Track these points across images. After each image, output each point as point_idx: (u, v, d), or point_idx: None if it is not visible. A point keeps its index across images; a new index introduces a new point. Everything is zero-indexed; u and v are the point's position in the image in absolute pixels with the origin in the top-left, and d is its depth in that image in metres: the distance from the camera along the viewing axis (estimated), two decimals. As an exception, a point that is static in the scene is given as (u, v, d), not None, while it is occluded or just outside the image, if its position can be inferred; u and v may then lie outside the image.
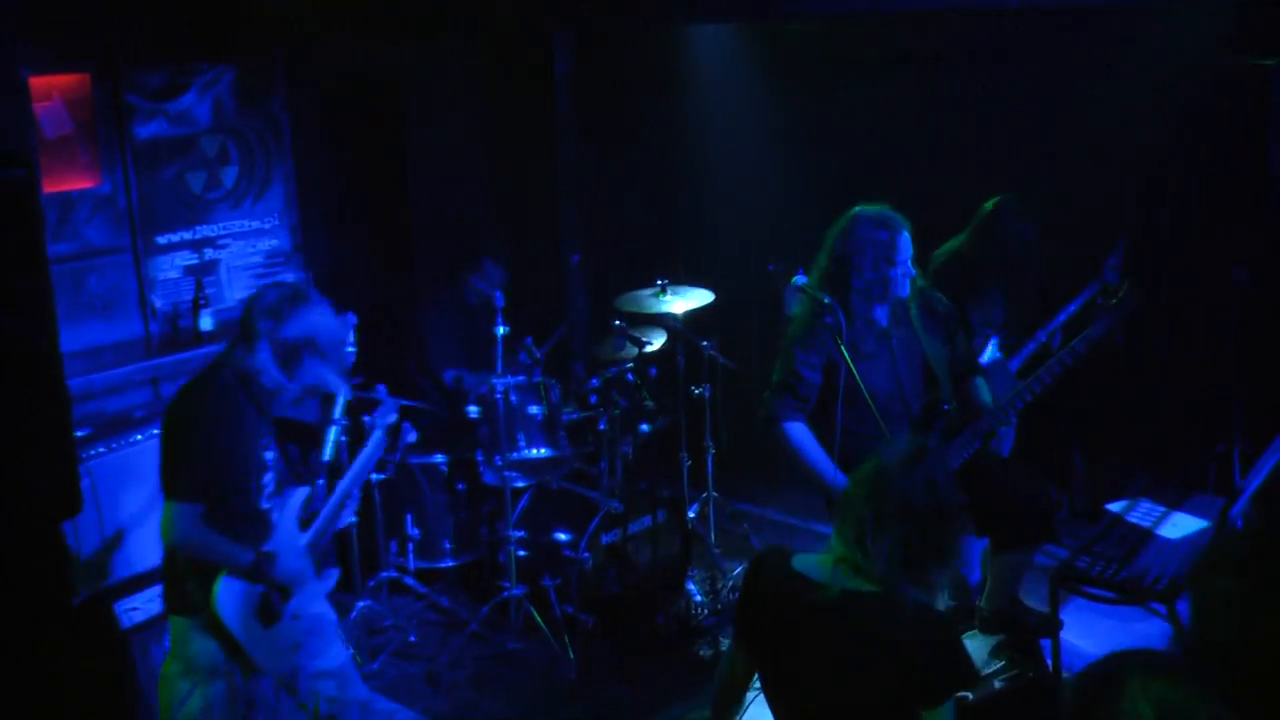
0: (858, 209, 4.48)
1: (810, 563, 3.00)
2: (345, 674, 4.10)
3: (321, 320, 3.80)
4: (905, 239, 4.39)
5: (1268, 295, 5.47)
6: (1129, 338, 4.87)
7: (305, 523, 4.03)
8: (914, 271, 4.43)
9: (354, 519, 4.93)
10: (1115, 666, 2.19)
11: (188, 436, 3.68)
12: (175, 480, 3.65)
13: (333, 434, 5.00)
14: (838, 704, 2.93)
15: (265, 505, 3.87)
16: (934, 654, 2.82)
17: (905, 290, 4.43)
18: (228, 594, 3.72)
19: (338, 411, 5.06)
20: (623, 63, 7.14)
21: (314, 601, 4.05)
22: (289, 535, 3.94)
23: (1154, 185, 5.83)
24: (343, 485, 4.20)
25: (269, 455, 3.89)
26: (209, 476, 3.65)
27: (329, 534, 4.18)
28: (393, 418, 4.57)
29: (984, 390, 4.70)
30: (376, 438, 4.45)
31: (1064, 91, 5.94)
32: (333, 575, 4.18)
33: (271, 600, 3.83)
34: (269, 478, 3.88)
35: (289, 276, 6.09)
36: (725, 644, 3.40)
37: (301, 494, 4.03)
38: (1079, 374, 4.63)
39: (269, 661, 3.83)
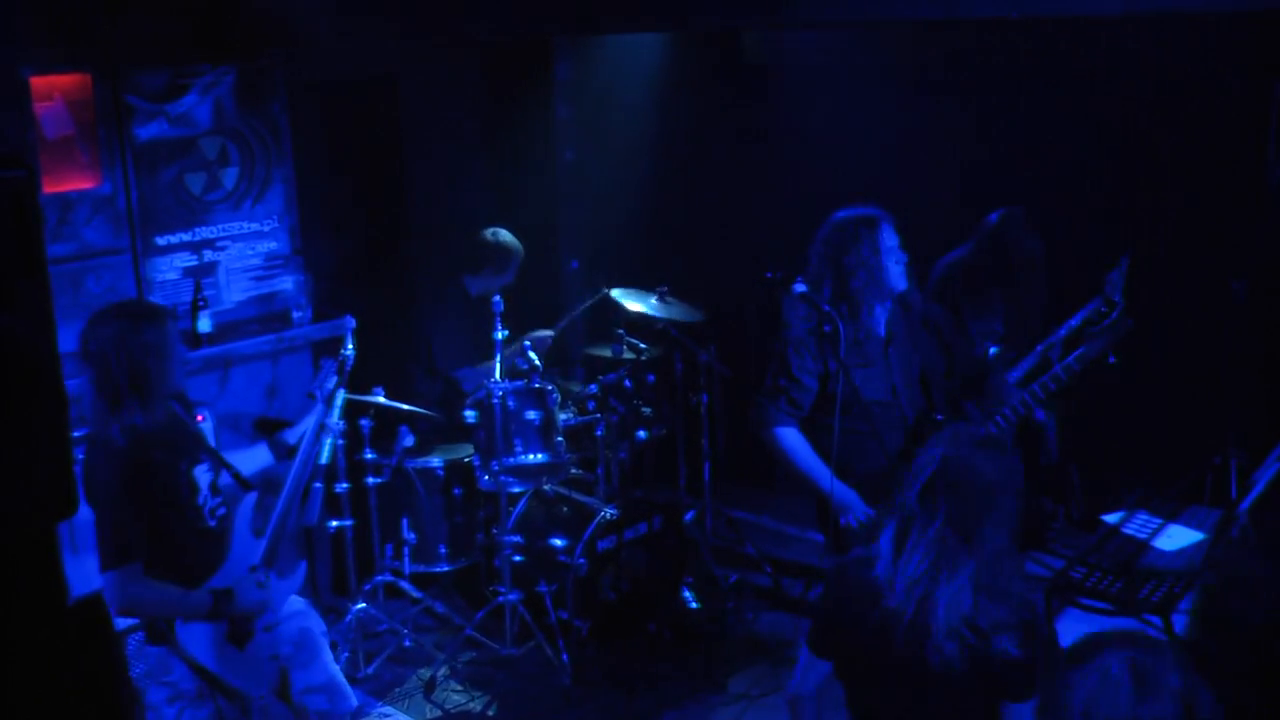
0: (838, 212, 4.43)
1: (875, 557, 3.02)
2: (335, 687, 4.06)
3: (156, 332, 3.72)
4: (888, 229, 4.33)
5: (1265, 308, 5.48)
6: (1123, 354, 4.88)
7: (260, 530, 3.97)
8: (906, 257, 4.36)
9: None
10: (1098, 638, 2.24)
11: (98, 508, 3.62)
12: (101, 551, 3.60)
13: (328, 437, 4.99)
14: (923, 707, 2.94)
15: (212, 523, 3.81)
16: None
17: (902, 281, 4.37)
18: (190, 632, 3.67)
19: (334, 415, 5.06)
20: (621, 68, 7.15)
21: (289, 604, 4.00)
22: (244, 545, 3.88)
23: (1154, 198, 5.84)
24: (292, 474, 4.15)
25: (198, 473, 3.83)
26: (131, 536, 3.59)
27: (289, 533, 4.09)
28: (331, 381, 4.50)
29: (1006, 387, 4.68)
30: (316, 408, 4.40)
31: (1064, 105, 5.96)
32: (299, 570, 4.11)
33: (241, 623, 3.78)
34: (205, 496, 3.82)
35: (287, 279, 6.09)
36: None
37: (250, 500, 3.96)
38: (1075, 385, 4.63)
39: (250, 683, 3.77)
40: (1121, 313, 4.45)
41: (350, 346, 5.15)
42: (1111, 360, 4.54)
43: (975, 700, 2.88)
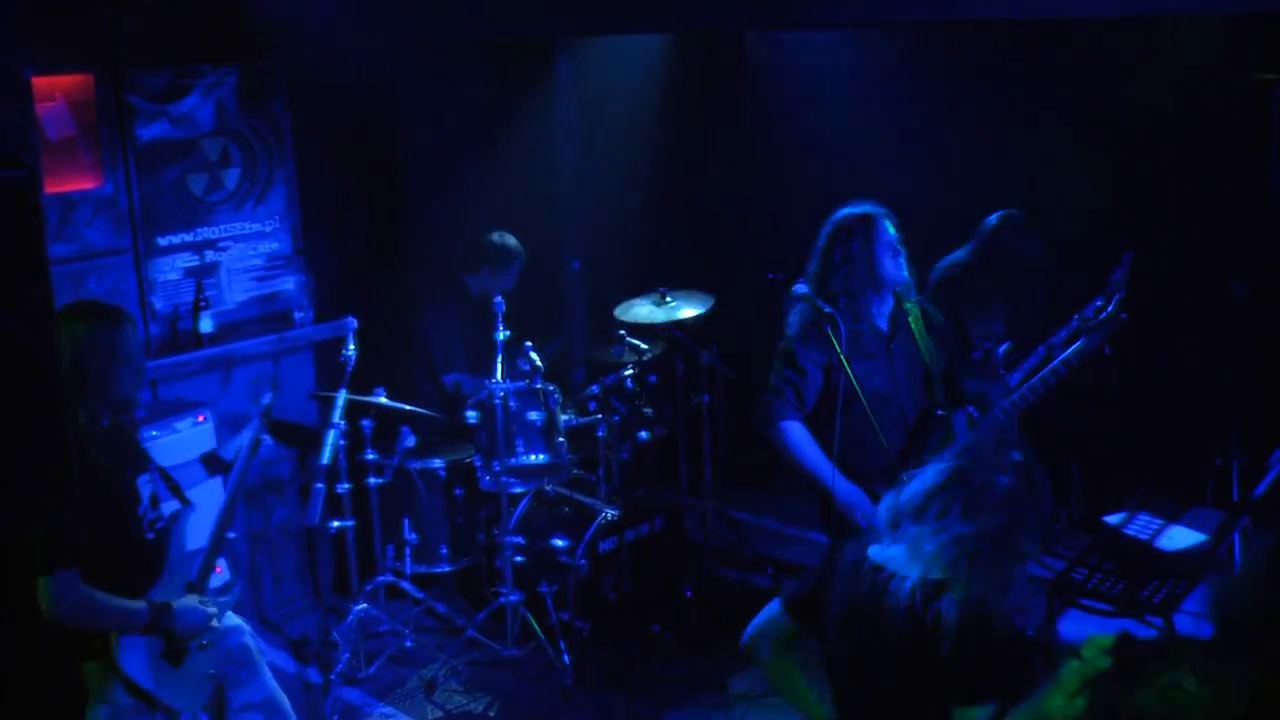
0: (837, 211, 4.49)
1: (887, 553, 3.01)
2: (273, 704, 4.02)
3: (102, 339, 3.64)
4: (885, 223, 4.39)
5: (1266, 309, 5.48)
6: (1125, 354, 4.88)
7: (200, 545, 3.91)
8: (904, 251, 4.41)
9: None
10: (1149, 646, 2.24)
11: None
12: (35, 555, 3.43)
13: (331, 437, 5.00)
14: (881, 691, 2.95)
15: (150, 536, 3.74)
16: (978, 655, 2.83)
17: (903, 273, 4.41)
18: (130, 650, 3.59)
19: (336, 415, 5.06)
20: (623, 69, 7.16)
21: (226, 619, 3.91)
22: (184, 559, 3.81)
23: (1156, 198, 5.84)
24: (227, 490, 4.10)
25: (141, 482, 3.75)
26: (68, 542, 3.43)
27: (224, 549, 4.03)
28: (268, 397, 4.41)
29: (1002, 386, 4.70)
30: (251, 424, 4.31)
31: (1066, 105, 5.96)
32: (235, 588, 4.04)
33: (176, 641, 3.68)
34: (146, 507, 3.74)
35: (289, 279, 6.09)
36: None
37: (187, 515, 3.89)
38: (1077, 386, 4.63)
39: (186, 702, 3.70)
40: (1118, 305, 4.45)
41: (352, 347, 5.16)
42: (1108, 351, 4.53)
43: (934, 697, 2.89)
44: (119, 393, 3.69)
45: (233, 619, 4.03)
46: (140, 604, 3.59)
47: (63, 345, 3.56)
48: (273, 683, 4.07)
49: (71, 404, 3.54)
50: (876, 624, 2.93)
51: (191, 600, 3.73)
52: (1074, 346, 4.49)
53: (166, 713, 3.68)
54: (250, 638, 4.06)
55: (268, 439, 4.34)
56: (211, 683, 3.81)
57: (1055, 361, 4.56)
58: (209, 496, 4.21)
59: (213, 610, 3.79)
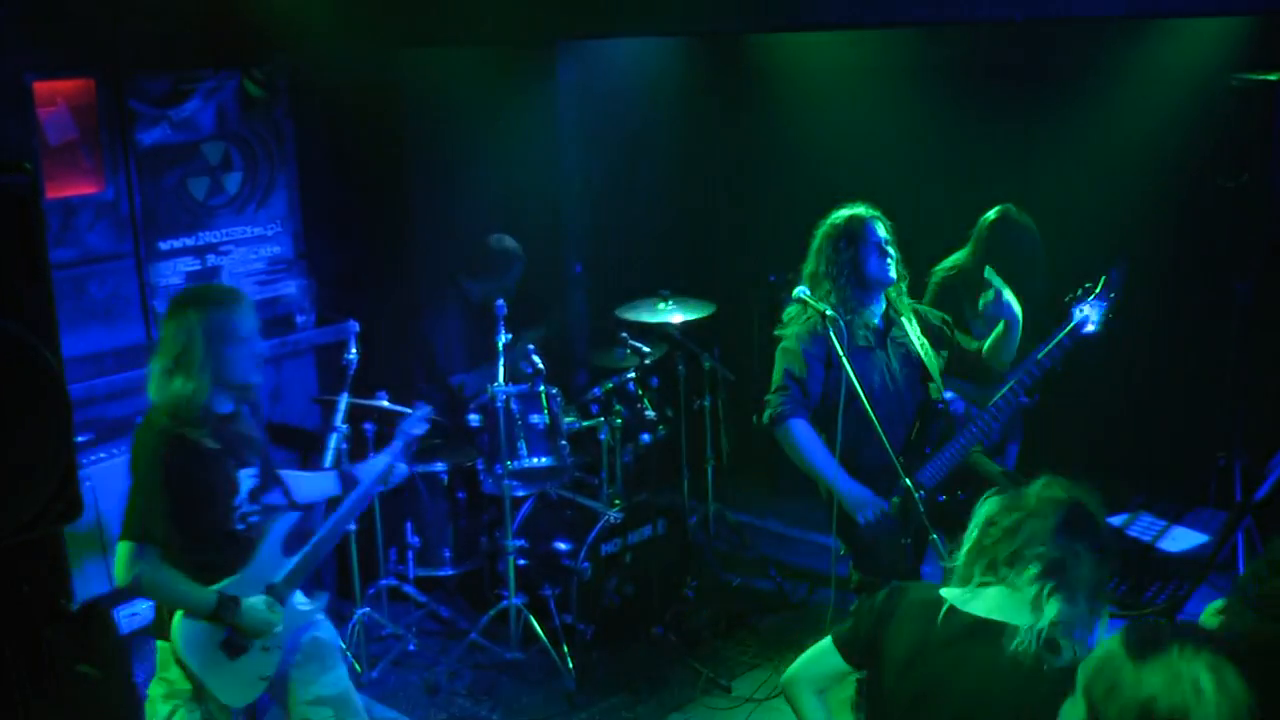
0: (831, 213, 4.57)
1: (957, 594, 2.91)
2: (344, 701, 4.01)
3: (219, 320, 3.71)
4: (874, 225, 4.46)
5: (1269, 309, 5.48)
6: (1124, 351, 4.87)
7: (293, 547, 3.95)
8: (895, 255, 4.47)
9: (352, 526, 4.83)
10: (1159, 632, 2.20)
11: (133, 481, 3.64)
12: (125, 521, 3.59)
13: (333, 441, 4.99)
14: None
15: (240, 528, 3.78)
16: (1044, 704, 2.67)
17: (891, 274, 4.47)
18: (187, 628, 3.65)
19: (339, 418, 5.05)
20: (625, 72, 7.16)
21: (309, 627, 3.96)
22: (270, 561, 3.86)
23: (1158, 198, 5.83)
24: (343, 506, 4.12)
25: (242, 475, 3.79)
26: (157, 516, 3.57)
27: (321, 556, 4.07)
28: (422, 428, 4.47)
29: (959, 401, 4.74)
30: (395, 446, 4.35)
31: (1069, 105, 5.96)
32: (322, 599, 4.07)
33: (239, 635, 3.73)
34: (243, 500, 3.78)
35: (291, 283, 6.09)
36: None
37: (291, 519, 3.94)
38: (1079, 386, 4.62)
39: (231, 696, 3.73)
40: (1102, 285, 4.43)
41: (354, 351, 5.16)
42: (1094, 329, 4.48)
43: None
44: (233, 374, 3.71)
45: (311, 614, 4.02)
46: (210, 593, 3.66)
47: (174, 322, 3.64)
48: (347, 680, 4.06)
49: (176, 380, 3.62)
50: (970, 668, 2.82)
51: (261, 602, 3.77)
52: (1065, 326, 4.47)
53: (216, 705, 3.71)
54: (325, 633, 4.05)
55: (403, 469, 4.39)
56: (262, 685, 3.82)
57: (1050, 346, 4.53)
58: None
59: (278, 618, 3.81)
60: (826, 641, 3.10)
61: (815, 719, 3.08)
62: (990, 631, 2.78)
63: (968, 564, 2.91)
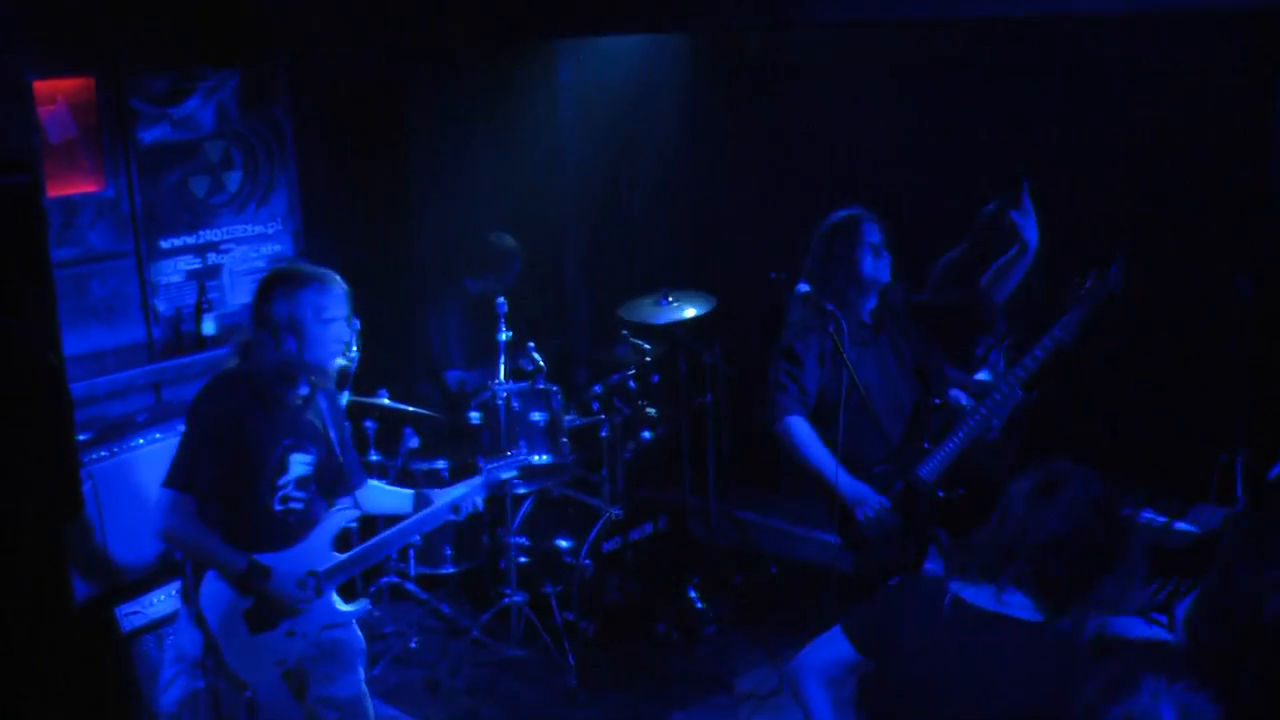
0: (829, 214, 4.62)
1: (965, 586, 2.93)
2: (355, 706, 3.99)
3: (307, 298, 3.79)
4: (869, 226, 4.51)
5: (1271, 304, 5.47)
6: (1124, 349, 4.86)
7: (342, 546, 3.95)
8: (888, 257, 4.51)
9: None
10: (1127, 668, 2.20)
11: (187, 429, 3.72)
12: (170, 468, 3.67)
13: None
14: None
15: (278, 508, 3.79)
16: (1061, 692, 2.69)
17: (885, 273, 4.50)
18: (214, 588, 3.67)
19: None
20: (625, 70, 7.16)
21: (335, 627, 3.95)
22: (318, 549, 3.86)
23: (1158, 193, 5.83)
24: (409, 521, 4.08)
25: (295, 459, 3.81)
26: (201, 470, 3.64)
27: (371, 560, 4.10)
28: (509, 472, 4.40)
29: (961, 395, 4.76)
30: (476, 481, 4.23)
31: (1068, 100, 5.95)
32: (361, 605, 4.04)
33: (264, 608, 3.74)
34: (288, 480, 3.80)
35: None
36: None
37: (349, 516, 3.98)
38: (1079, 382, 4.61)
39: (244, 668, 3.71)
40: (1097, 278, 4.44)
41: (354, 349, 5.15)
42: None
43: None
44: (312, 354, 3.78)
45: (345, 615, 4.00)
46: (241, 555, 3.68)
47: (263, 300, 3.75)
48: (363, 687, 4.04)
49: (236, 355, 3.75)
50: (978, 659, 2.84)
51: (292, 579, 3.77)
52: (1063, 319, 4.47)
53: (225, 674, 3.69)
54: (351, 636, 4.02)
55: (472, 505, 4.22)
56: (280, 669, 3.81)
57: (1045, 338, 4.54)
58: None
59: (306, 599, 3.80)
60: (835, 630, 3.11)
61: (819, 708, 3.09)
62: (998, 623, 2.81)
63: (976, 556, 2.92)
